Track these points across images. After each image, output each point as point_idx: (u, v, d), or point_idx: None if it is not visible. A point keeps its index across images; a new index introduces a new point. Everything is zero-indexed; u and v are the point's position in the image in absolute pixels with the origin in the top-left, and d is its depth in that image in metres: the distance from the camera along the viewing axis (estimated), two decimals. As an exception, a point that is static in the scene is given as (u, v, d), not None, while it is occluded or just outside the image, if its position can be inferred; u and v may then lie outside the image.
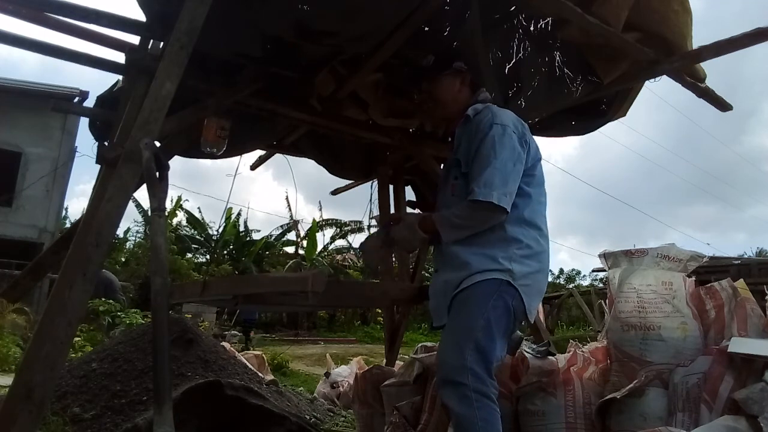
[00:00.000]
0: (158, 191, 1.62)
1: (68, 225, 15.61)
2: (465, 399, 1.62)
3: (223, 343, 5.02)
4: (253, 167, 4.66)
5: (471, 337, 1.69)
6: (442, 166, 2.33)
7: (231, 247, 20.49)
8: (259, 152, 4.36)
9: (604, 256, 2.56)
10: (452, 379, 1.66)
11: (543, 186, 1.99)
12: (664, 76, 2.82)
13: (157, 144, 1.89)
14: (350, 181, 4.68)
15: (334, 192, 5.04)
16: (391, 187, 4.31)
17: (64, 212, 16.16)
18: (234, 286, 2.09)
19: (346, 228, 21.37)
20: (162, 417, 1.43)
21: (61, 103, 9.45)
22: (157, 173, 1.66)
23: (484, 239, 1.82)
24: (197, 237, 20.33)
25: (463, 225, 1.82)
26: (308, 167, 4.27)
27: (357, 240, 22.27)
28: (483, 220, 1.80)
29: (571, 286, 25.93)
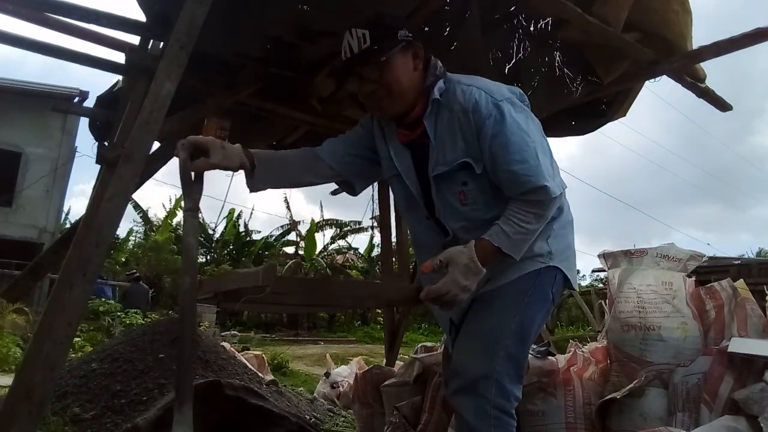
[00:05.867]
0: (193, 192, 1.58)
1: (68, 225, 15.59)
2: (483, 413, 1.48)
3: (223, 343, 5.03)
4: (253, 167, 4.66)
5: (500, 345, 1.51)
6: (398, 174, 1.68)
7: (231, 247, 20.49)
8: (259, 152, 4.36)
9: (604, 256, 2.56)
10: (472, 390, 1.49)
11: None
12: (665, 76, 2.82)
13: (157, 144, 1.89)
14: (350, 181, 4.67)
15: (334, 192, 5.03)
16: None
17: (64, 213, 16.17)
18: (213, 285, 2.10)
19: (346, 228, 21.36)
20: (182, 416, 1.41)
21: (61, 103, 9.47)
22: (193, 173, 1.61)
23: None
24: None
25: (537, 230, 1.50)
26: (309, 167, 4.26)
27: (357, 240, 22.27)
28: (551, 214, 1.53)
29: (571, 286, 25.79)
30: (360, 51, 1.53)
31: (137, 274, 12.27)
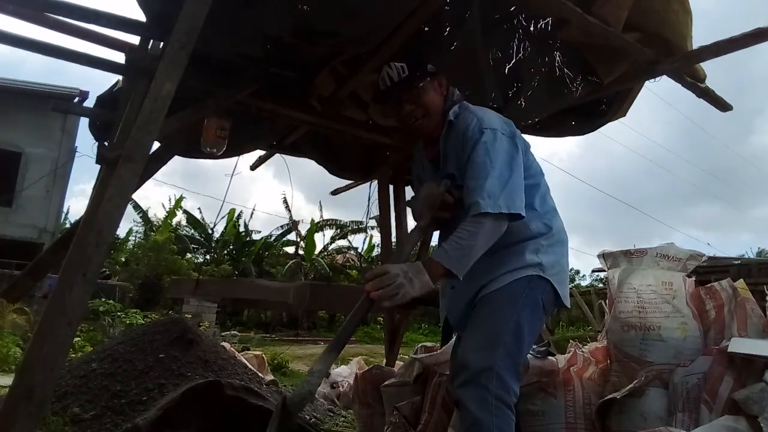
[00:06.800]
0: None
1: (68, 225, 15.60)
2: (485, 403, 1.60)
3: (223, 343, 5.03)
4: (253, 167, 4.66)
5: (500, 341, 1.65)
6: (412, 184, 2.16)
7: (231, 247, 20.49)
8: (259, 152, 4.36)
9: (604, 256, 2.56)
10: (475, 381, 1.62)
11: (541, 174, 1.93)
12: (665, 76, 2.82)
13: (157, 144, 1.89)
14: (350, 181, 4.68)
15: (334, 192, 5.04)
16: (391, 187, 4.31)
17: (64, 213, 16.17)
18: (225, 288, 2.10)
19: (346, 228, 21.36)
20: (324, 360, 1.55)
21: (61, 103, 9.47)
22: None
23: (507, 240, 1.73)
24: (197, 237, 20.33)
25: (476, 245, 1.64)
26: (309, 167, 4.29)
27: (356, 240, 22.25)
28: (494, 233, 1.66)
29: (570, 286, 25.79)
30: (400, 79, 1.85)
31: (107, 272, 12.39)
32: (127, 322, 9.16)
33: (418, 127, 1.91)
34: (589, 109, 3.28)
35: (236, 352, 5.05)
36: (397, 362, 4.11)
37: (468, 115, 1.83)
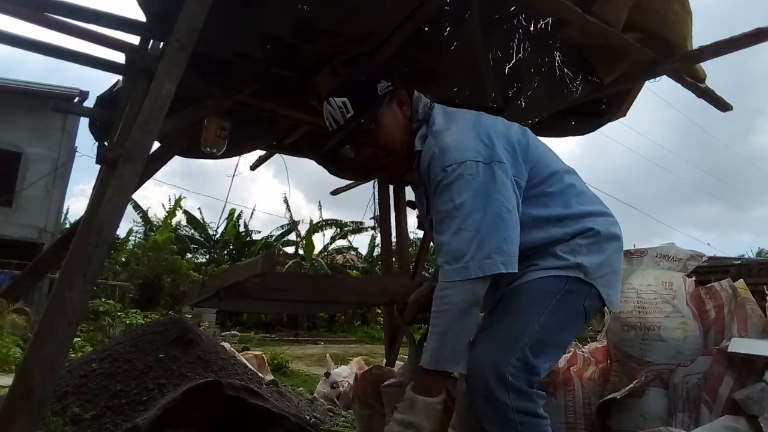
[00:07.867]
0: None
1: (68, 225, 15.60)
2: (507, 422, 1.32)
3: (223, 343, 5.03)
4: (253, 167, 4.67)
5: (517, 345, 1.35)
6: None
7: (231, 247, 20.49)
8: (259, 152, 4.37)
9: (604, 256, 2.56)
10: (489, 395, 1.33)
11: (559, 171, 1.56)
12: (665, 76, 2.82)
13: (157, 144, 1.89)
14: (350, 181, 4.69)
15: (334, 192, 5.04)
16: (391, 187, 4.31)
17: (64, 213, 16.17)
18: (214, 282, 2.11)
19: (346, 228, 21.37)
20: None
21: (61, 103, 9.48)
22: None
23: (539, 248, 1.47)
24: (197, 237, 20.34)
25: (450, 328, 1.33)
26: (309, 166, 4.29)
27: (357, 240, 22.31)
28: (469, 299, 1.34)
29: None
30: (346, 122, 1.53)
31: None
32: (127, 322, 9.17)
33: (386, 166, 1.60)
34: (589, 109, 3.29)
35: (236, 352, 5.05)
36: (397, 362, 4.11)
37: (432, 142, 1.47)
